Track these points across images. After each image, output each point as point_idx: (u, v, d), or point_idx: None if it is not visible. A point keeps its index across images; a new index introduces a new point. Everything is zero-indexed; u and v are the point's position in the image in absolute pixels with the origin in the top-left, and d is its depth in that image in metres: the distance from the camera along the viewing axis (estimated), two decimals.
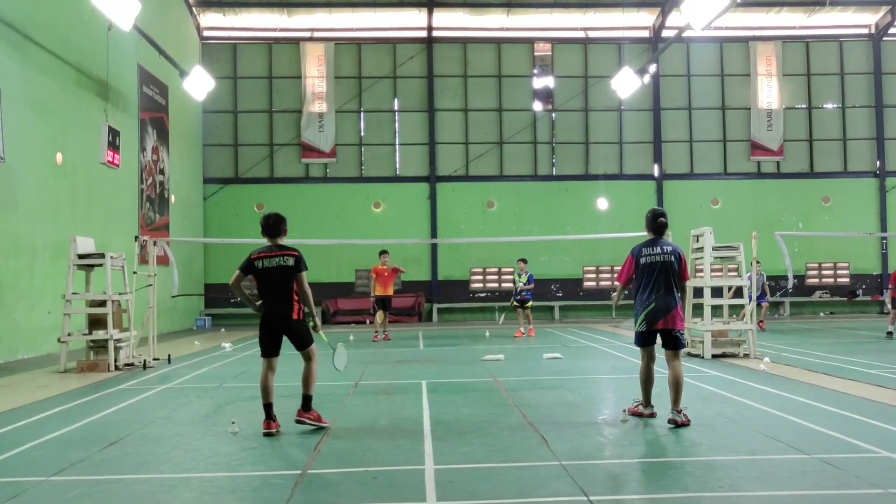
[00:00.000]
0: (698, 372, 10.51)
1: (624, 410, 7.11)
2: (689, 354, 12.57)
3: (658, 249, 6.95)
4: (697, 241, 12.85)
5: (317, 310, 23.77)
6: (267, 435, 6.46)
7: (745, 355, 12.28)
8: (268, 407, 6.59)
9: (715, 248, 12.56)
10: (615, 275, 27.32)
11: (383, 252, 17.44)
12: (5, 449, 6.06)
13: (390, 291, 17.42)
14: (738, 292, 13.45)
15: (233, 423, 6.72)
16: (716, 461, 5.43)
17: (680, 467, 5.38)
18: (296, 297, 6.73)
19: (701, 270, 12.78)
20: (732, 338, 12.67)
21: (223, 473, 5.31)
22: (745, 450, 5.72)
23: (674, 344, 6.87)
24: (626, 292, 7.42)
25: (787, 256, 13.11)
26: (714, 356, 12.26)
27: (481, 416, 7.37)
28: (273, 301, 6.69)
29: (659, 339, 6.96)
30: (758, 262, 13.13)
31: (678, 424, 6.55)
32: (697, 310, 12.92)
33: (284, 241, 6.88)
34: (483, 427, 6.78)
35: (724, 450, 5.75)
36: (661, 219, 7.09)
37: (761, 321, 19.07)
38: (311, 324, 6.84)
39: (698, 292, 12.61)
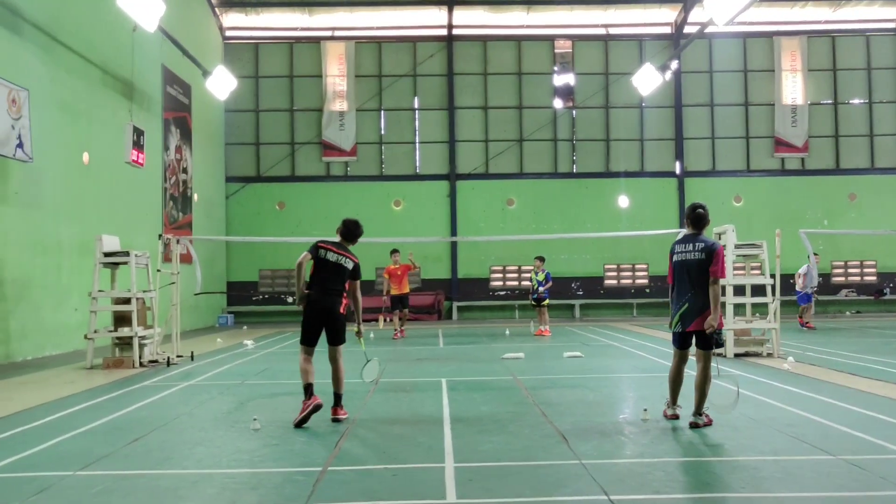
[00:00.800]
0: (721, 371, 10.40)
1: (645, 409, 7.04)
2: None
3: (690, 247, 6.59)
4: (720, 238, 12.73)
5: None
6: (316, 408, 6.75)
7: (769, 354, 12.16)
8: (309, 387, 6.88)
9: (737, 247, 12.45)
10: (636, 273, 27.19)
11: (393, 251, 17.53)
12: (33, 444, 6.16)
13: (406, 289, 17.40)
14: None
15: (255, 419, 6.77)
16: (739, 462, 5.39)
17: (702, 467, 5.34)
18: (345, 294, 7.15)
19: None
20: (755, 336, 12.55)
21: (245, 470, 5.36)
22: (768, 450, 5.67)
23: (707, 343, 6.55)
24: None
25: (811, 255, 12.95)
26: (736, 355, 12.16)
27: (501, 414, 7.37)
28: (324, 291, 7.04)
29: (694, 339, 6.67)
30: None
31: (699, 427, 6.48)
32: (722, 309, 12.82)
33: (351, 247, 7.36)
34: (503, 425, 6.78)
35: (748, 450, 5.70)
36: (699, 210, 6.66)
37: (808, 322, 18.79)
38: (356, 330, 7.40)
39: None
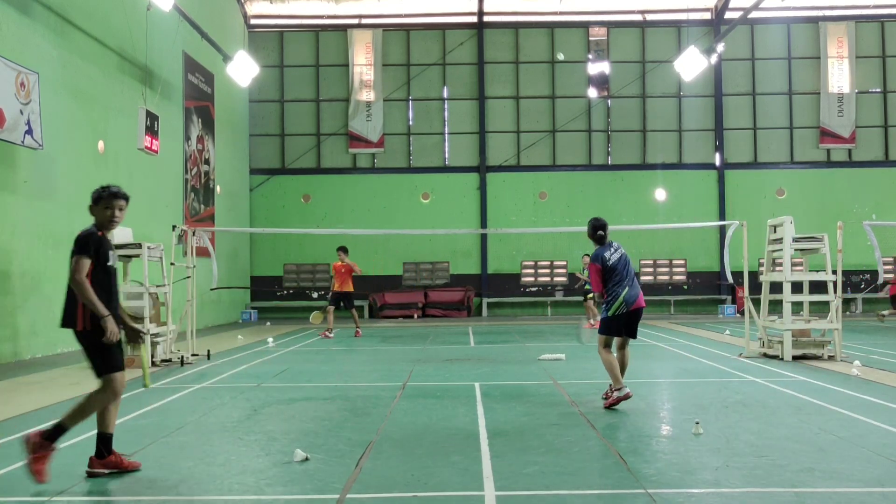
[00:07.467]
0: (781, 376, 9.45)
1: (697, 423, 6.19)
2: (766, 356, 11.49)
3: (614, 251, 7.57)
4: (775, 231, 11.72)
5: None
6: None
7: (830, 357, 11.13)
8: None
9: (795, 240, 11.42)
10: (674, 269, 26.07)
11: (340, 248, 16.64)
12: (12, 460, 5.40)
13: (347, 288, 16.49)
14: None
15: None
16: (839, 494, 4.46)
17: (796, 502, 4.42)
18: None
19: (780, 264, 11.68)
20: (815, 338, 11.52)
21: (249, 497, 4.55)
22: (870, 479, 4.73)
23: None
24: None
25: (877, 249, 11.90)
26: (794, 357, 11.15)
27: (544, 427, 6.50)
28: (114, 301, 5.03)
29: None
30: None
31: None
32: (776, 307, 11.84)
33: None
34: (548, 441, 5.91)
35: (845, 478, 4.77)
36: (601, 231, 7.62)
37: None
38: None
39: (777, 288, 11.50)
